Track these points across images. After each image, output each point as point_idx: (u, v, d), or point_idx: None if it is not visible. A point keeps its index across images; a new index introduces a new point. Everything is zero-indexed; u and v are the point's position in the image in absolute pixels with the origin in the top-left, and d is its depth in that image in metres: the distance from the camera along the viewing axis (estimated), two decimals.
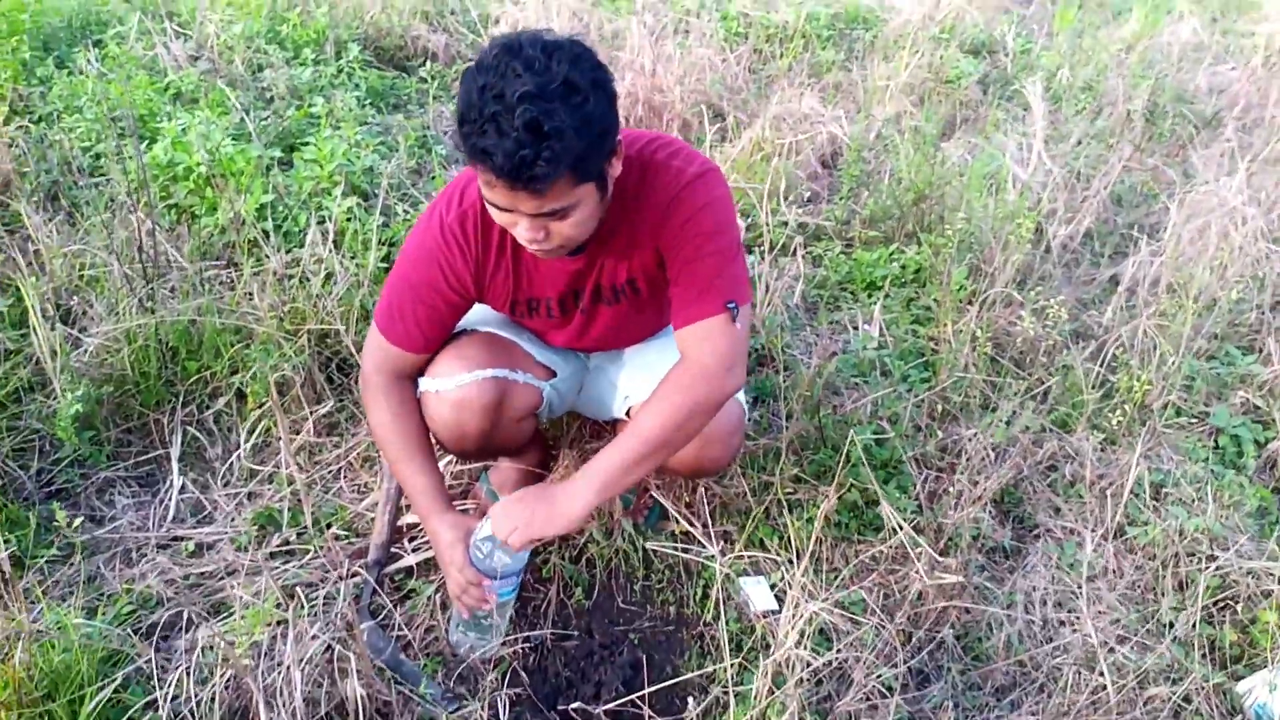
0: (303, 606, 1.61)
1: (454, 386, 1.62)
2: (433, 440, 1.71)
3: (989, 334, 2.40)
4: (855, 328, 2.62)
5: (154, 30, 3.64)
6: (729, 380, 1.51)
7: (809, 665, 1.43)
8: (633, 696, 1.57)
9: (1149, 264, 2.81)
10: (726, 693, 1.50)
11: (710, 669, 1.68)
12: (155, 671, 1.47)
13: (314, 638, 1.48)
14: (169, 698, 1.44)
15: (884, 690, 1.62)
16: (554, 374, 1.80)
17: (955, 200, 2.99)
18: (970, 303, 2.60)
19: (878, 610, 1.78)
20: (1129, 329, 2.56)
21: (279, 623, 1.57)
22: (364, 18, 4.18)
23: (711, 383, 1.51)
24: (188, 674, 1.46)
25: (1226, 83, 4.80)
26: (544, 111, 1.21)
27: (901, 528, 1.77)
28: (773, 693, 1.44)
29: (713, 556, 1.62)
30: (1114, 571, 1.95)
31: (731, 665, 1.50)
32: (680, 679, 1.67)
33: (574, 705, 1.60)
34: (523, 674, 1.67)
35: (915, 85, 4.17)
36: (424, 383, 1.67)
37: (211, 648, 1.52)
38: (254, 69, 3.64)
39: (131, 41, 3.60)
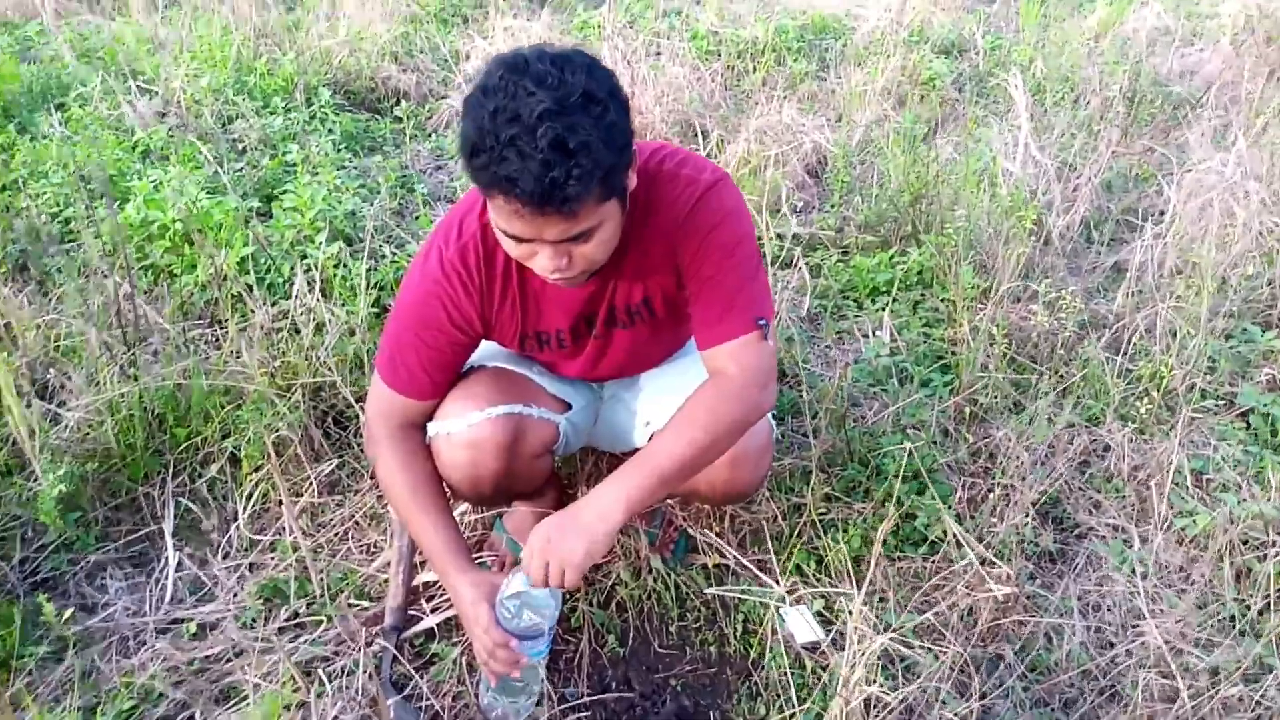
0: (322, 685, 1.49)
1: (465, 427, 1.52)
2: (447, 491, 1.60)
3: (1004, 330, 2.33)
4: (864, 335, 2.54)
5: (118, 90, 3.55)
6: (764, 398, 1.44)
7: (882, 702, 1.32)
8: None
9: (1154, 247, 2.75)
10: None
11: (775, 718, 1.57)
12: None
13: (336, 719, 1.36)
14: None
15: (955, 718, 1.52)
16: (569, 406, 1.71)
17: (951, 199, 2.92)
18: (983, 300, 2.53)
19: (946, 633, 1.67)
20: (1145, 314, 2.49)
21: (298, 705, 1.46)
22: (332, 62, 4.10)
23: (747, 400, 1.43)
24: None
25: (1198, 64, 4.80)
26: (567, 127, 1.13)
27: (970, 548, 1.67)
28: None
29: (777, 596, 1.51)
30: (1168, 567, 1.86)
31: (801, 710, 1.39)
32: None
33: None
34: None
35: (892, 89, 4.13)
36: (433, 427, 1.57)
37: None
38: (224, 121, 3.55)
39: (95, 102, 3.51)
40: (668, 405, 1.67)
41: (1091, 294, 2.80)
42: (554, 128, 1.12)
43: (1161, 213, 3.07)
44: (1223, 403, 2.30)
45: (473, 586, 1.49)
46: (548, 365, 1.71)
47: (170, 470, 2.00)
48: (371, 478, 2.01)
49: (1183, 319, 2.38)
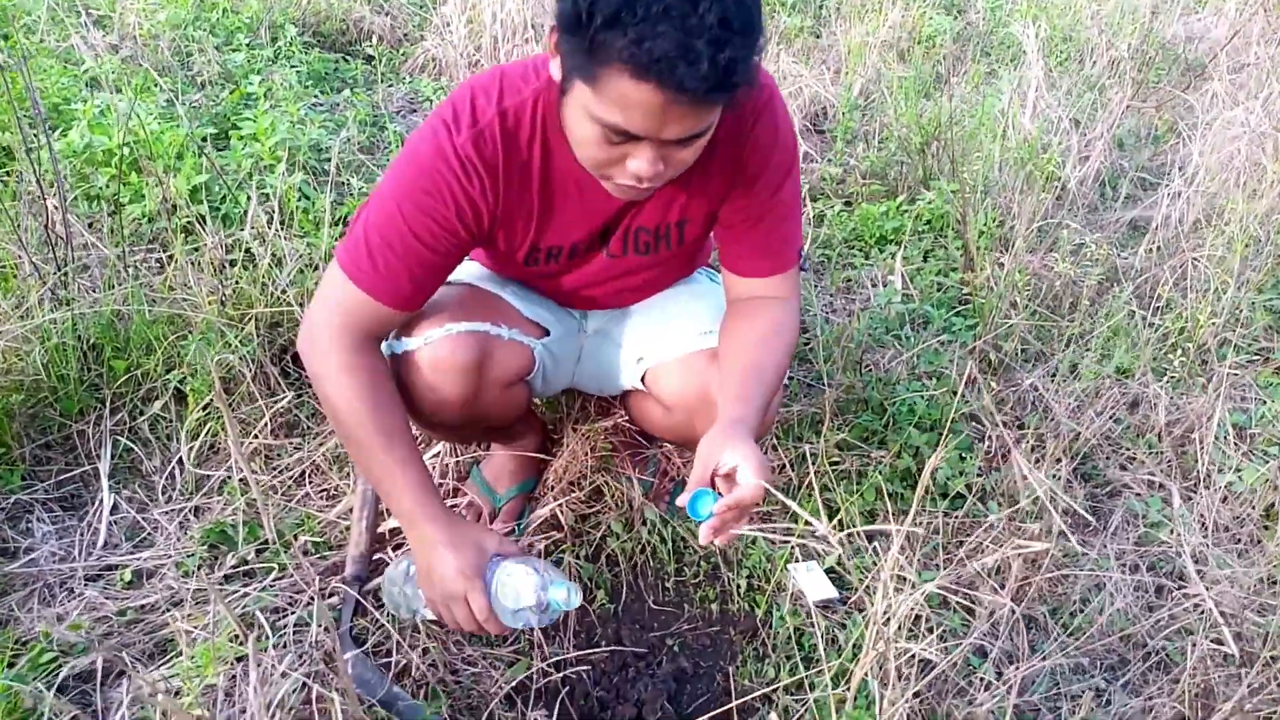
0: (268, 637, 1.29)
1: (422, 344, 1.31)
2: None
3: (1026, 278, 2.16)
4: (873, 285, 2.36)
5: (68, 22, 3.29)
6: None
7: (917, 662, 1.15)
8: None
9: (1179, 199, 2.59)
10: (804, 698, 1.22)
11: (787, 680, 1.39)
12: None
13: (285, 675, 1.16)
14: None
15: (990, 681, 1.34)
16: (546, 332, 1.50)
17: (964, 146, 2.75)
18: (1001, 248, 2.36)
19: (977, 592, 1.50)
20: (1173, 264, 2.34)
21: (239, 659, 1.26)
22: (301, 2, 3.86)
23: (798, 324, 1.35)
24: None
25: (1203, 30, 4.67)
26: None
27: (1045, 497, 1.49)
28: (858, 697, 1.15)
29: (807, 532, 1.33)
30: (1211, 525, 1.70)
31: (826, 669, 1.21)
32: (757, 691, 1.37)
33: None
34: (547, 699, 1.37)
35: (893, 43, 3.95)
36: (383, 345, 1.36)
37: (168, 691, 1.20)
38: (182, 56, 3.30)
39: (42, 33, 3.25)
40: (665, 338, 1.49)
41: (1112, 248, 2.64)
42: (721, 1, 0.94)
43: (1180, 168, 2.91)
44: (1258, 358, 2.15)
45: (455, 550, 1.24)
46: (538, 280, 1.50)
47: (107, 406, 1.79)
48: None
49: (1216, 269, 2.22)
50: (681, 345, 1.47)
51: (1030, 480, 1.46)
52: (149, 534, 1.61)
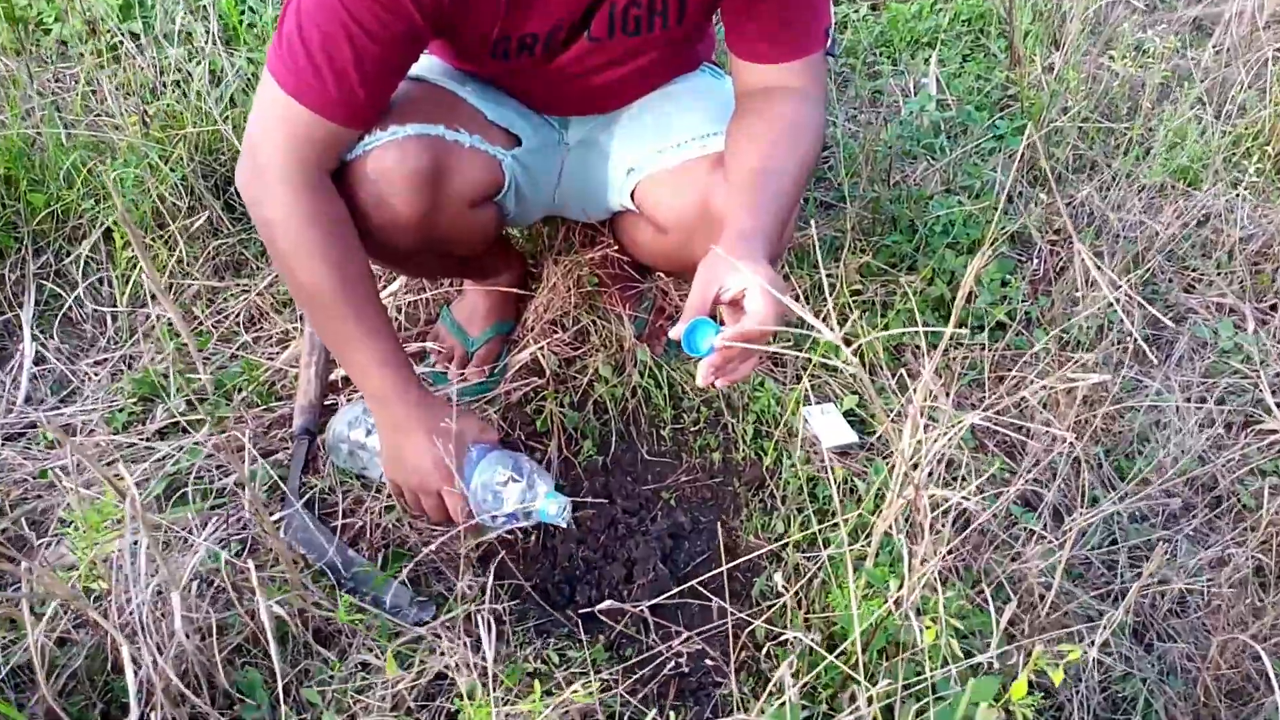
0: (189, 500, 1.12)
1: (361, 151, 1.07)
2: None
3: (1080, 76, 1.86)
4: (903, 94, 2.07)
5: None
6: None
7: (953, 509, 0.95)
8: (711, 572, 1.10)
9: None
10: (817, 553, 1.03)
11: (798, 536, 1.21)
12: None
13: (203, 543, 0.99)
14: None
15: (1037, 533, 1.16)
16: (517, 142, 1.25)
17: None
18: (1054, 46, 2.05)
19: (1051, 419, 1.30)
20: (1246, 61, 2.02)
21: (165, 527, 1.09)
22: None
23: (823, 127, 1.12)
24: (30, 612, 0.98)
25: None
26: None
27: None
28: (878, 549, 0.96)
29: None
30: None
31: (842, 520, 1.02)
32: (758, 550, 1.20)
33: (602, 604, 1.11)
34: (523, 562, 1.20)
35: None
36: None
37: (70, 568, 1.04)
38: None
39: None
40: (657, 146, 1.24)
41: (1178, 43, 2.32)
42: None
43: None
44: None
45: (434, 440, 1.10)
46: (506, 77, 1.24)
47: (28, 246, 1.58)
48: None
49: None
50: (679, 152, 1.23)
51: (1097, 280, 1.22)
52: (78, 386, 1.43)
